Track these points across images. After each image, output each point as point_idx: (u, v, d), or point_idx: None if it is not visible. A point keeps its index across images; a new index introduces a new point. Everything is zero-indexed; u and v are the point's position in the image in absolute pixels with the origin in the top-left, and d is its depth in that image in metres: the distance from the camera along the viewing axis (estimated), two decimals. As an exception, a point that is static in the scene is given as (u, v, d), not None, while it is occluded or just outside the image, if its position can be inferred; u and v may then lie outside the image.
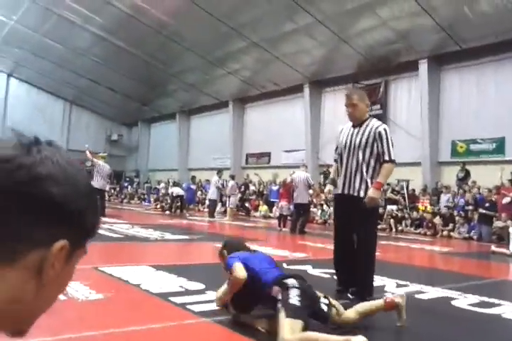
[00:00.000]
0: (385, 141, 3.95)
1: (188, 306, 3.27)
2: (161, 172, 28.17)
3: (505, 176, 12.69)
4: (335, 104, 18.93)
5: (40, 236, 0.60)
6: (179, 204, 16.61)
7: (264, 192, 18.88)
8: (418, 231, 13.29)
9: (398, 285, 4.65)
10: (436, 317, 3.64)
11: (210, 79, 21.69)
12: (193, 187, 18.24)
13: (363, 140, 3.98)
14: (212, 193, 15.23)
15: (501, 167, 12.87)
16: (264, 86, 20.94)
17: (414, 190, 15.02)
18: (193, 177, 18.90)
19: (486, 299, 4.22)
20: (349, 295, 3.89)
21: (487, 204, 11.88)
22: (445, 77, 15.69)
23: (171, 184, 18.67)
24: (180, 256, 6.18)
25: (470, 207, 12.66)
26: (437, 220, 12.83)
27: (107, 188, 13.54)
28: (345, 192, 4.06)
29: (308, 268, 5.38)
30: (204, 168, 24.28)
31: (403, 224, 13.83)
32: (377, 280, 4.78)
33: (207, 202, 17.07)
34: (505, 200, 11.72)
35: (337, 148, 4.30)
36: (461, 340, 3.05)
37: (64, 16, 19.32)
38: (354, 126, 4.11)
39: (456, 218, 12.57)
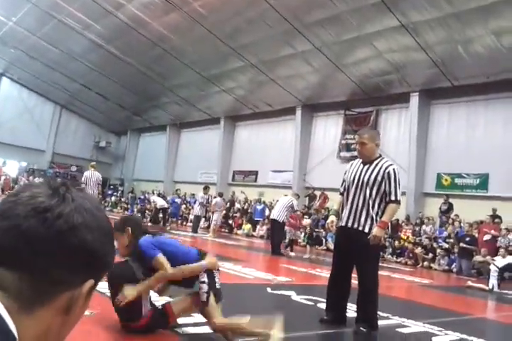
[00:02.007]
0: (393, 181, 4.10)
1: (177, 329, 3.30)
2: (146, 183, 28.04)
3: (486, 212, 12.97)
4: (325, 129, 19.23)
5: (75, 281, 0.65)
6: (161, 216, 16.54)
7: (249, 211, 18.89)
8: (399, 260, 13.43)
9: (380, 317, 4.71)
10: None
11: (205, 95, 21.85)
12: (178, 200, 18.13)
13: (372, 178, 4.12)
14: (196, 209, 15.22)
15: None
16: (257, 106, 21.15)
17: (397, 220, 15.18)
18: (177, 190, 18.71)
19: (465, 337, 4.31)
20: (362, 328, 3.97)
21: (467, 239, 12.06)
22: (435, 111, 16.05)
23: (155, 194, 18.52)
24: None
25: (451, 240, 12.85)
26: (419, 251, 12.99)
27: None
28: (349, 225, 4.19)
29: (292, 294, 5.43)
30: (190, 182, 24.25)
31: (386, 253, 13.99)
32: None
33: (190, 217, 17.04)
34: (486, 237, 11.95)
35: (343, 181, 4.43)
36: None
37: (64, 21, 19.37)
38: (364, 164, 4.25)
39: (437, 250, 12.74)
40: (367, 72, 15.95)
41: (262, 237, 16.98)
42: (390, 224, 14.94)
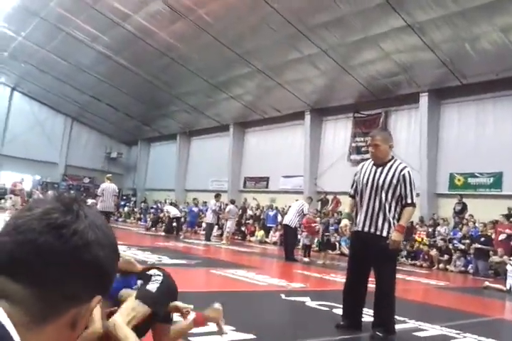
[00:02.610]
0: (408, 184, 4.03)
1: (190, 337, 3.25)
2: (158, 192, 28.15)
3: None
4: (335, 132, 19.16)
5: (84, 296, 0.66)
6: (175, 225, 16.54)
7: (261, 217, 18.84)
8: (414, 262, 13.29)
9: (396, 321, 4.64)
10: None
11: (213, 102, 21.92)
12: (195, 209, 18.10)
13: (387, 181, 4.04)
14: (208, 216, 15.22)
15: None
16: (265, 111, 21.16)
17: (411, 222, 15.04)
18: (195, 199, 18.72)
19: (484, 339, 4.23)
20: (378, 333, 3.91)
21: (482, 239, 11.92)
22: (445, 111, 15.92)
23: (167, 203, 18.52)
24: (178, 283, 6.15)
25: (466, 241, 12.69)
26: (434, 253, 12.84)
27: (113, 210, 13.39)
28: (366, 229, 4.12)
29: (307, 300, 5.37)
30: (201, 190, 24.27)
31: (400, 256, 13.88)
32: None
33: (203, 225, 17.04)
34: (502, 237, 11.78)
35: (354, 183, 4.35)
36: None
37: (72, 34, 19.63)
38: (377, 166, 4.17)
39: (453, 251, 12.59)
40: (374, 73, 15.89)
41: (275, 243, 16.92)
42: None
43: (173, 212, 16.30)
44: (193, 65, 19.15)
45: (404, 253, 13.74)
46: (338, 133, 18.97)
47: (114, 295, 2.56)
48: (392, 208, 4.04)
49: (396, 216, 4.06)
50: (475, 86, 14.64)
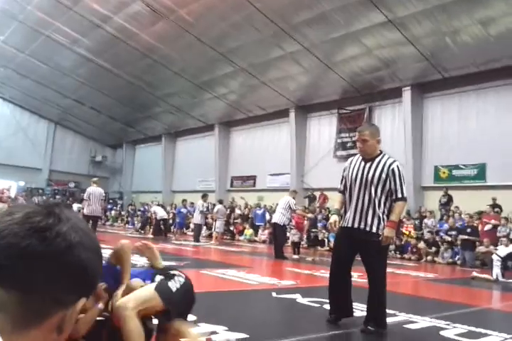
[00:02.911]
0: (397, 178, 4.00)
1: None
2: (145, 194, 28.00)
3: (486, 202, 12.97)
4: (320, 129, 19.23)
5: (69, 299, 0.66)
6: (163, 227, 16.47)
7: (250, 216, 18.84)
8: (403, 256, 13.40)
9: (387, 315, 4.67)
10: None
11: (197, 102, 21.85)
12: (184, 210, 18.02)
13: (376, 176, 4.00)
14: (196, 217, 15.15)
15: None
16: (250, 110, 21.14)
17: (399, 215, 15.20)
18: (184, 200, 18.65)
19: (473, 329, 4.27)
20: (369, 327, 3.91)
21: (469, 230, 12.06)
22: (428, 105, 16.07)
23: (155, 204, 18.39)
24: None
25: (453, 232, 12.83)
26: (421, 245, 12.95)
27: (100, 214, 13.23)
28: (356, 225, 4.08)
29: (298, 297, 5.38)
30: (189, 191, 24.20)
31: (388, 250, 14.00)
32: (365, 310, 4.82)
33: (191, 226, 16.97)
34: (487, 227, 11.93)
35: (343, 179, 4.32)
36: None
37: (52, 37, 19.41)
38: (365, 161, 4.13)
39: (440, 243, 12.72)
40: (357, 69, 15.97)
41: (264, 242, 16.94)
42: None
43: (160, 213, 16.22)
44: (176, 65, 19.06)
45: (393, 246, 13.84)
46: (323, 129, 19.04)
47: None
48: (382, 203, 4.01)
49: (386, 211, 4.03)
50: (457, 79, 14.81)
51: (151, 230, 17.08)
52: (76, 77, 22.58)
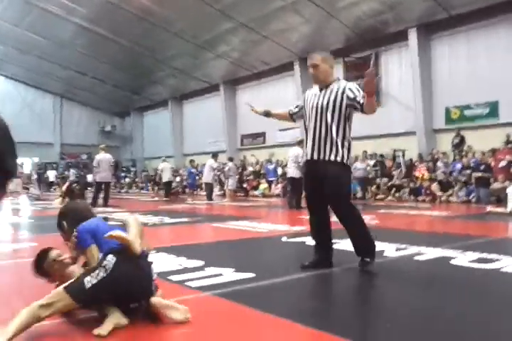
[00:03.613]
0: (355, 89, 3.66)
1: (187, 283, 3.24)
2: (157, 160, 28.01)
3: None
4: (326, 79, 18.81)
5: None
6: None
7: (262, 172, 18.87)
8: (416, 199, 13.33)
9: (397, 249, 4.65)
10: (434, 276, 3.65)
11: (200, 63, 21.48)
12: (194, 170, 18.12)
13: (331, 101, 3.72)
14: (207, 176, 15.12)
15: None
16: (254, 66, 20.75)
17: (411, 160, 15.04)
18: (192, 161, 18.72)
19: (485, 255, 4.23)
20: (366, 259, 3.76)
21: (482, 167, 11.92)
22: (436, 45, 15.54)
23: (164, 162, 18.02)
24: (180, 238, 6.16)
25: (467, 172, 12.67)
26: (435, 187, 12.84)
27: (110, 180, 13.22)
28: (315, 157, 3.82)
29: (307, 240, 5.36)
30: (200, 153, 24.21)
31: (401, 192, 13.96)
32: (377, 246, 4.78)
33: (204, 187, 17.04)
34: (502, 164, 11.72)
35: (297, 106, 4.14)
36: (457, 297, 3.03)
37: (46, 9, 19.01)
38: (321, 89, 3.85)
39: (454, 183, 12.60)
40: (360, 14, 15.41)
41: (278, 196, 16.99)
42: (403, 163, 14.87)
43: (166, 176, 16.27)
44: (174, 26, 18.63)
45: (407, 190, 13.78)
46: (329, 80, 18.60)
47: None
48: (341, 129, 3.73)
49: (346, 139, 3.74)
50: (464, 16, 14.24)
51: (163, 193, 17.04)
52: (76, 48, 22.27)
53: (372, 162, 15.75)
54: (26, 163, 25.43)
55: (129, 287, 2.38)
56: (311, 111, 3.85)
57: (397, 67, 16.62)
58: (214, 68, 21.82)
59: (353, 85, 3.74)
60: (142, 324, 2.37)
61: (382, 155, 15.87)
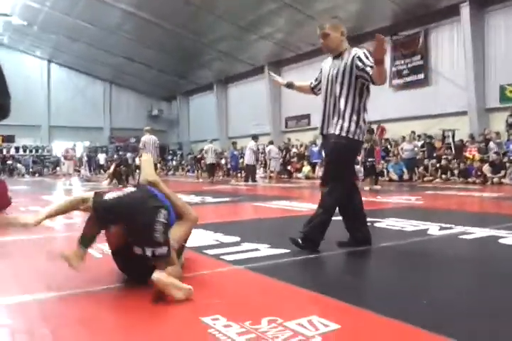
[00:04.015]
0: (364, 58, 3.37)
1: (222, 256, 3.24)
2: (202, 143, 28.33)
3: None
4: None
5: None
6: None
7: (306, 154, 18.70)
8: (467, 180, 12.87)
9: (441, 228, 4.46)
10: (479, 254, 3.49)
11: (244, 45, 21.38)
12: (236, 153, 18.20)
13: (340, 72, 3.49)
14: (249, 158, 15.09)
15: None
16: (299, 47, 20.45)
17: (461, 140, 14.47)
18: (234, 143, 18.81)
19: (538, 235, 3.99)
20: (298, 238, 3.49)
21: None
22: (489, 19, 14.77)
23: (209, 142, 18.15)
24: (219, 215, 6.19)
25: (523, 152, 12.10)
26: (486, 168, 12.31)
27: (156, 161, 13.42)
28: (325, 131, 3.62)
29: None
30: (244, 136, 24.22)
31: (448, 174, 13.48)
32: (420, 225, 4.64)
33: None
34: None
35: (316, 79, 3.92)
36: (505, 276, 2.87)
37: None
38: (333, 59, 3.65)
39: (507, 164, 12.01)
40: (408, -11, 14.81)
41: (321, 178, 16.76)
42: (452, 144, 14.32)
43: (209, 157, 16.41)
44: (219, 9, 18.55)
45: (456, 172, 13.28)
46: (377, 58, 18.07)
47: None
48: (349, 103, 3.47)
49: (355, 112, 3.45)
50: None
51: (208, 175, 17.23)
52: (123, 34, 22.65)
53: (420, 143, 15.27)
54: (78, 147, 26.32)
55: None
56: (323, 83, 3.65)
57: (448, 45, 15.93)
58: (258, 50, 21.66)
59: (362, 52, 3.45)
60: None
61: (430, 136, 15.33)
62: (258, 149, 15.44)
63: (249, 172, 15.13)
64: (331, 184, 3.55)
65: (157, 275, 2.29)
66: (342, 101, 3.48)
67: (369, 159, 10.91)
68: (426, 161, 14.44)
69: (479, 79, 14.65)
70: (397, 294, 2.43)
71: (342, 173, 3.58)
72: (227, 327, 1.83)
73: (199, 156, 19.27)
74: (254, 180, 14.88)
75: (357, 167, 11.76)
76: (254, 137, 15.24)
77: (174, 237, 2.58)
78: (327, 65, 3.69)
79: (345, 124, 3.47)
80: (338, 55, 3.60)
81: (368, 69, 3.32)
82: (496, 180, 12.09)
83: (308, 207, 6.70)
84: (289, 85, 4.18)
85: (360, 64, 3.38)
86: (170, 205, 2.65)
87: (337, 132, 3.48)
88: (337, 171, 3.55)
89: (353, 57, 3.44)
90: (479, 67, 14.67)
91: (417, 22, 16.28)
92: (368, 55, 3.38)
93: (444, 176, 13.55)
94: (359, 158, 11.24)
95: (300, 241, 3.47)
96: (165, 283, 2.27)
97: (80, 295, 2.37)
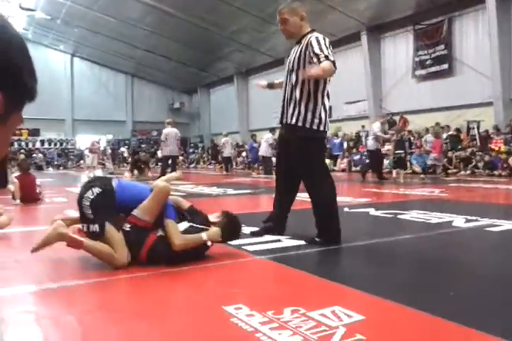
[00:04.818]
0: (316, 45, 3.22)
1: (244, 247, 3.25)
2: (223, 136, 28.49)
3: None
4: (395, 49, 18.03)
5: None
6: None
7: (327, 146, 18.55)
8: (492, 173, 12.59)
9: (467, 221, 4.39)
10: (506, 246, 3.41)
11: (265, 37, 21.23)
12: (256, 145, 18.17)
13: (296, 58, 3.36)
14: (265, 151, 14.92)
15: None
16: (319, 38, 20.19)
17: (487, 131, 14.17)
18: (253, 136, 18.80)
19: None
20: (316, 239, 3.39)
21: None
22: (516, 7, 14.34)
23: (226, 136, 18.29)
24: (241, 207, 6.19)
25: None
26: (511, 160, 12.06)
27: (178, 153, 13.46)
28: (284, 121, 3.47)
29: (371, 211, 5.24)
30: (265, 128, 24.08)
31: (468, 167, 13.25)
32: (445, 217, 4.57)
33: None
34: None
35: None
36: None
37: (114, -11, 19.51)
38: (295, 44, 3.50)
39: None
40: (431, -24, 14.49)
41: (343, 170, 16.68)
42: (477, 135, 14.01)
43: (226, 151, 16.70)
44: (239, 0, 18.45)
45: (481, 164, 13.01)
46: (399, 49, 17.77)
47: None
48: (305, 91, 3.32)
49: (311, 101, 3.31)
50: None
51: (224, 167, 17.52)
52: (144, 27, 22.71)
53: (444, 135, 15.01)
54: (102, 140, 26.65)
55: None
56: (286, 71, 3.52)
57: (473, 33, 15.53)
58: (279, 42, 21.43)
59: (314, 38, 3.28)
60: (193, 282, 2.39)
61: (458, 129, 15.00)
62: (275, 141, 15.36)
63: (266, 164, 15.08)
64: (311, 175, 3.43)
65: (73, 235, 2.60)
66: (298, 89, 3.36)
67: (396, 151, 10.91)
68: (450, 153, 14.19)
69: (505, 68, 14.27)
70: (422, 285, 2.40)
71: (318, 162, 3.48)
72: (249, 317, 1.83)
73: (218, 148, 19.46)
74: (270, 173, 14.81)
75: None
76: (272, 129, 15.14)
77: (142, 209, 2.72)
78: (291, 52, 3.56)
79: (302, 114, 3.34)
80: (299, 41, 3.46)
81: (315, 60, 3.19)
82: (524, 173, 11.82)
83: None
84: (271, 86, 4.08)
85: (310, 50, 3.26)
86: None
87: (293, 122, 3.38)
88: (311, 161, 3.42)
89: (307, 43, 3.31)
90: (505, 56, 14.28)
91: (440, 10, 15.91)
92: (320, 42, 3.26)
93: (468, 169, 13.30)
94: (389, 150, 11.35)
95: (318, 240, 3.39)
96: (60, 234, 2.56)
97: (104, 283, 2.40)
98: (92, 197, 2.68)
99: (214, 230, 2.87)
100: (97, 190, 2.71)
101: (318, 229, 3.43)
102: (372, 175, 11.85)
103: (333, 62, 3.17)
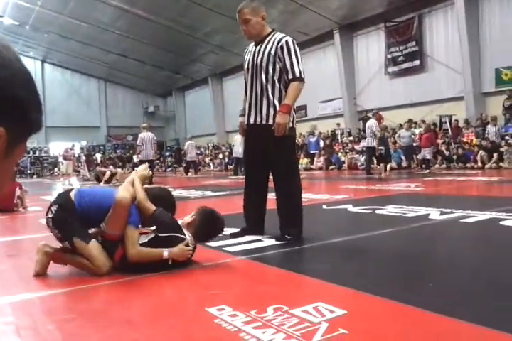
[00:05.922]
0: (287, 54, 3.34)
1: (225, 248, 3.25)
2: (200, 138, 28.37)
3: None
4: (368, 46, 18.27)
5: None
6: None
7: (304, 143, 18.67)
8: (465, 166, 12.88)
9: (442, 213, 4.46)
10: (481, 236, 3.49)
11: (238, 38, 21.03)
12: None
13: (265, 57, 3.39)
14: (236, 151, 14.79)
15: None
16: (293, 37, 19.73)
17: (457, 121, 14.47)
18: (232, 137, 18.85)
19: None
20: (287, 236, 3.41)
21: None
22: (484, 2, 14.66)
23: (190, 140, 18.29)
24: (220, 208, 6.17)
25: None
26: (483, 153, 12.32)
27: (154, 157, 13.38)
28: (252, 121, 3.51)
29: (349, 207, 5.28)
30: (242, 129, 24.20)
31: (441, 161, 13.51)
32: (421, 211, 4.64)
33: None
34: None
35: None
36: (506, 256, 2.87)
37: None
38: (256, 44, 3.52)
39: (505, 147, 12.00)
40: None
41: (320, 168, 16.80)
42: (450, 129, 14.26)
43: (191, 154, 16.99)
44: (209, 1, 18.41)
45: (455, 158, 13.28)
46: (371, 47, 18.03)
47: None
48: (276, 89, 3.39)
49: (283, 98, 3.37)
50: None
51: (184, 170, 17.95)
52: (116, 31, 22.53)
53: (417, 130, 15.24)
54: (76, 147, 26.25)
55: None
56: (247, 71, 3.54)
57: (443, 30, 15.87)
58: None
59: (286, 42, 3.38)
60: (174, 286, 2.38)
61: (435, 124, 15.24)
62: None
63: (239, 165, 15.07)
64: (286, 170, 3.47)
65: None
66: (269, 89, 3.41)
67: (380, 147, 11.16)
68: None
69: (475, 63, 14.60)
70: (402, 278, 2.44)
71: (293, 159, 3.63)
72: (233, 317, 1.83)
73: (179, 154, 19.62)
74: (237, 173, 14.79)
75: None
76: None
77: (107, 223, 2.71)
78: (249, 52, 3.59)
79: (276, 113, 3.36)
80: (260, 41, 3.50)
81: (290, 75, 3.34)
82: (494, 165, 12.06)
83: (308, 197, 6.68)
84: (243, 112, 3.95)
85: (284, 63, 3.36)
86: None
87: (270, 122, 3.41)
88: (288, 157, 3.50)
89: (278, 45, 3.38)
90: (474, 51, 14.61)
91: (411, 7, 16.22)
92: (291, 50, 3.36)
93: (442, 162, 13.54)
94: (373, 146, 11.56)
95: (290, 237, 3.40)
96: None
97: (84, 290, 2.37)
98: (51, 216, 2.67)
99: (179, 247, 2.66)
100: (54, 208, 2.69)
101: (286, 224, 3.45)
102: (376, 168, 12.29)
103: (302, 76, 3.36)
